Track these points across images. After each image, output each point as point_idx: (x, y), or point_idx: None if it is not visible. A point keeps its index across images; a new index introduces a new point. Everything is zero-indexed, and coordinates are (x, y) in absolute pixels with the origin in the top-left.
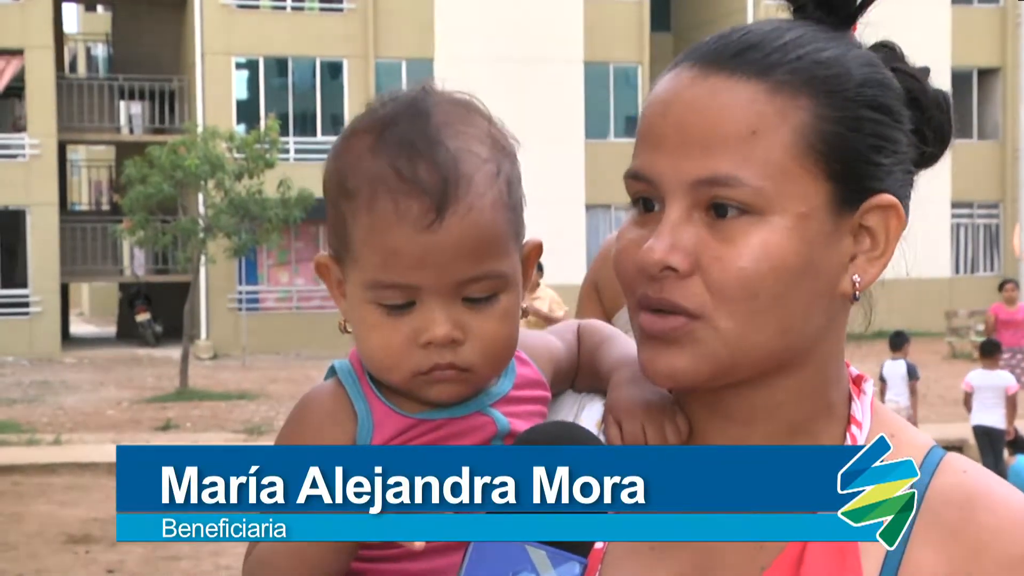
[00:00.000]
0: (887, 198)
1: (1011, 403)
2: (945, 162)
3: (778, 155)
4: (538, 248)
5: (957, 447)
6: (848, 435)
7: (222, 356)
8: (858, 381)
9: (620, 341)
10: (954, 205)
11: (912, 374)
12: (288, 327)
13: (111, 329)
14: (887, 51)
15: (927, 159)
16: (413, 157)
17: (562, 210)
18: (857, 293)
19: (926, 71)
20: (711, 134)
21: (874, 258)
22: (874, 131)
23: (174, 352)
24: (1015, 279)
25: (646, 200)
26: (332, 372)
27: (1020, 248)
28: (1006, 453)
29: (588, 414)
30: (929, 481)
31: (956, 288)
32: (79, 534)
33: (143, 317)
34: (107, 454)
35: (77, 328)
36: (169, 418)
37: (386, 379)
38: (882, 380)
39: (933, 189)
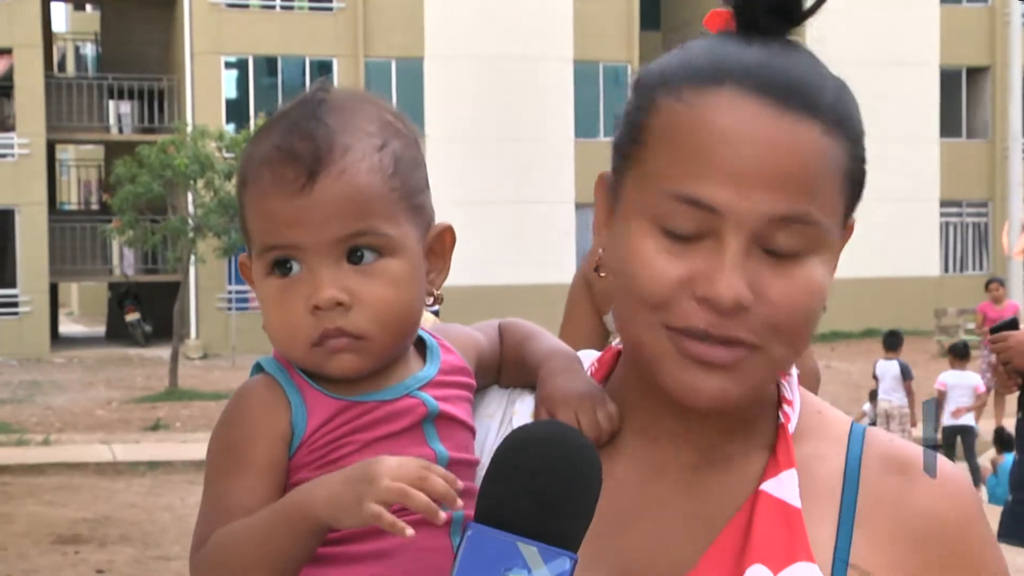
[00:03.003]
0: (853, 221)
1: (979, 401)
2: (934, 161)
3: (834, 193)
4: (449, 230)
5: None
6: (781, 414)
7: (212, 356)
8: None
9: (545, 335)
10: (943, 204)
11: (906, 374)
12: None
13: (100, 329)
14: None
15: None
16: (292, 133)
17: (552, 209)
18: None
19: None
20: (787, 172)
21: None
22: (864, 167)
23: (164, 352)
24: (1002, 278)
25: (698, 226)
26: (258, 368)
27: (1009, 246)
28: (993, 451)
29: (521, 407)
30: (861, 451)
31: (945, 287)
32: (68, 534)
33: (132, 317)
34: (96, 454)
35: (66, 328)
36: (159, 418)
37: (290, 356)
38: (875, 379)
39: (922, 188)
